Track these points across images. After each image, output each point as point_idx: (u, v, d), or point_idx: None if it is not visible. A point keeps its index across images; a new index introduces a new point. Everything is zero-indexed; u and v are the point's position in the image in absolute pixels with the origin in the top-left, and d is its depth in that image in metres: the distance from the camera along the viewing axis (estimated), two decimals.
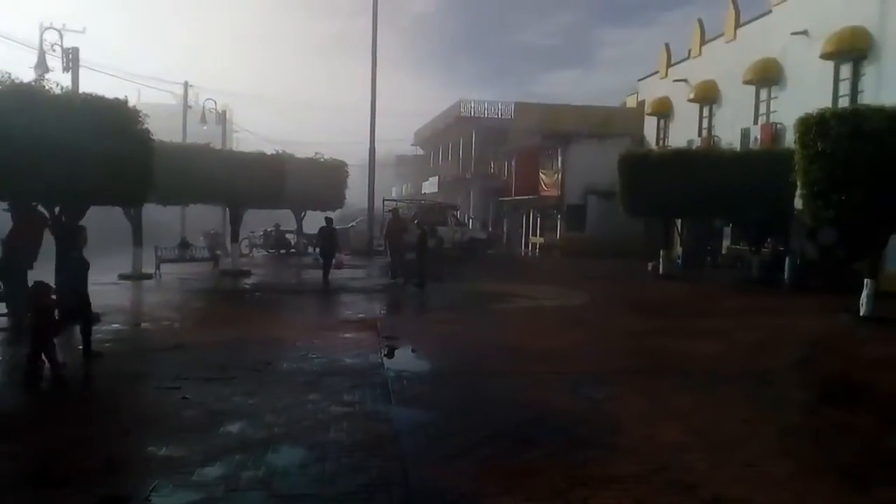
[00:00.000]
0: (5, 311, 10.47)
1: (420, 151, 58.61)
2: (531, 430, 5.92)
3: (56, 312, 7.55)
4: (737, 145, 21.60)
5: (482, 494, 4.52)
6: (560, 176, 30.51)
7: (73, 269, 8.49)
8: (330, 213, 22.49)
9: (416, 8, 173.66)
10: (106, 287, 15.57)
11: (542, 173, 32.32)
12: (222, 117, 33.22)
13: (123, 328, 10.88)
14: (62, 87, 10.95)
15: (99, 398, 7.12)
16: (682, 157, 19.64)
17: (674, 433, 5.87)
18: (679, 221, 22.44)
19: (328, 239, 17.82)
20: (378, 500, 4.38)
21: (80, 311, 8.22)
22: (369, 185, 28.57)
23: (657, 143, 28.67)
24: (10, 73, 9.64)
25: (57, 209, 10.82)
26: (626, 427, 6.04)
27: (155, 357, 8.65)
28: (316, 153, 27.55)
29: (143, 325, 11.38)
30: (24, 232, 10.34)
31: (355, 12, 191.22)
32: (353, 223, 30.42)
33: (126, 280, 16.94)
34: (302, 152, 26.84)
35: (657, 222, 21.43)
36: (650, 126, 29.89)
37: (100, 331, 10.28)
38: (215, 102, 32.75)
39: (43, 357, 7.08)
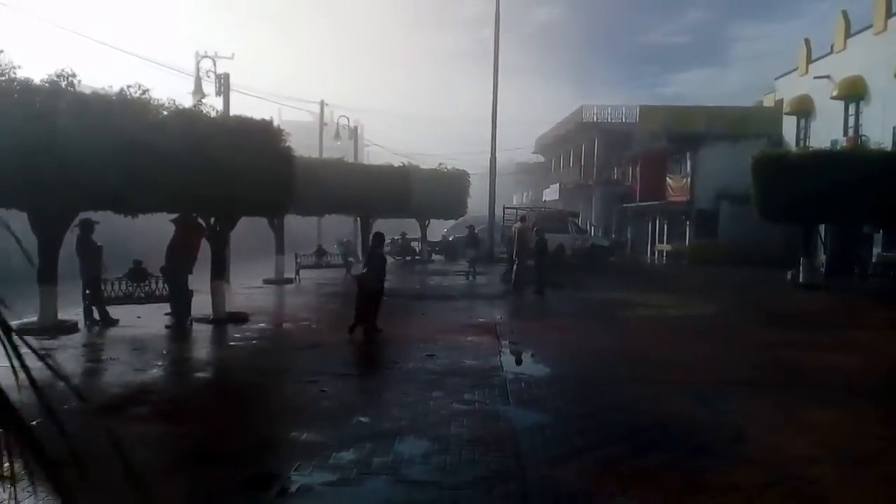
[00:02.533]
0: (169, 310, 11.85)
1: (541, 158, 58.46)
2: (649, 436, 5.94)
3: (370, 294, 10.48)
4: (888, 144, 19.81)
5: (597, 493, 4.66)
6: (689, 180, 29.36)
7: (377, 264, 10.87)
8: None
9: (541, 17, 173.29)
10: (252, 290, 17.11)
11: (669, 178, 31.25)
12: (354, 133, 35.08)
13: (268, 328, 11.94)
14: (217, 111, 12.28)
15: (256, 389, 7.94)
16: (825, 158, 18.36)
17: (802, 446, 5.66)
18: (822, 227, 20.90)
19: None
20: (496, 492, 4.65)
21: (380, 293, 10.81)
22: (490, 195, 29.02)
23: (797, 143, 26.85)
24: (174, 100, 11.00)
25: (213, 219, 12.11)
26: (750, 438, 5.90)
27: (295, 354, 9.48)
28: (440, 164, 28.47)
29: (286, 325, 12.43)
30: (184, 240, 11.67)
31: (480, 23, 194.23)
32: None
33: (270, 284, 18.48)
34: (427, 163, 27.88)
35: (797, 228, 20.10)
36: (789, 126, 28.04)
37: (248, 329, 11.40)
38: (348, 119, 34.69)
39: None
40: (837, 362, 9.17)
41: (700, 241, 28.83)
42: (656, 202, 31.69)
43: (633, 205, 35.13)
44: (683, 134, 29.72)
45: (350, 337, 10.26)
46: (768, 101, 32.42)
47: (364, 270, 11.04)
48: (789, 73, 28.81)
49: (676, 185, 30.43)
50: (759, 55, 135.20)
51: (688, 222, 29.87)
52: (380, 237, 11.42)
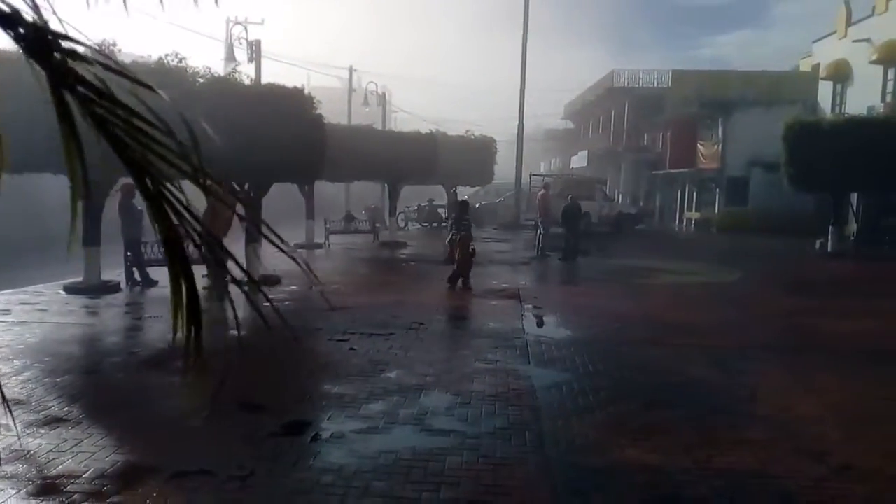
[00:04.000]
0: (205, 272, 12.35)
1: (570, 125, 57.83)
2: (663, 394, 6.21)
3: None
4: None
5: (610, 444, 4.97)
6: (720, 147, 28.94)
7: (468, 227, 12.53)
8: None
9: None
10: (284, 255, 17.60)
11: (700, 144, 30.81)
12: (382, 99, 35.15)
13: (300, 290, 12.38)
14: (251, 79, 12.56)
15: (287, 348, 8.36)
16: (859, 125, 18.03)
17: (811, 406, 5.89)
18: (854, 196, 20.60)
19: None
20: (514, 441, 4.99)
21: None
22: (517, 162, 29.01)
23: (832, 109, 26.26)
24: (210, 68, 11.30)
25: (246, 186, 12.49)
26: (761, 398, 6.14)
27: (326, 315, 9.88)
28: (467, 131, 28.47)
29: (315, 287, 12.84)
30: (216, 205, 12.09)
31: None
32: (502, 198, 31.12)
33: (300, 249, 18.96)
34: (454, 130, 27.89)
35: (828, 197, 19.85)
36: (825, 92, 27.37)
37: (283, 291, 11.86)
38: (377, 85, 34.76)
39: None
40: (856, 329, 9.28)
41: (730, 209, 28.54)
42: (686, 169, 31.33)
43: (662, 172, 34.77)
44: (716, 100, 29.20)
45: (456, 289, 12.01)
46: (805, 66, 31.60)
47: (453, 233, 12.50)
48: (827, 36, 28.00)
49: (707, 152, 30.02)
50: (801, 16, 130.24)
51: (718, 190, 29.56)
52: (465, 204, 13.38)
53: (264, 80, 20.31)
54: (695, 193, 32.59)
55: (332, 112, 22.41)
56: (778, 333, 9.11)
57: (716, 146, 29.35)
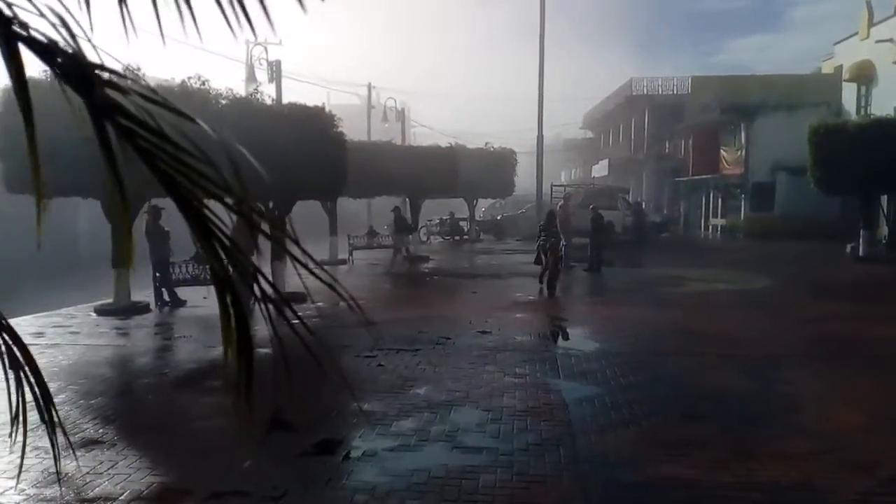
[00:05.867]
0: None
1: (589, 134, 57.66)
2: (698, 406, 6.09)
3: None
4: None
5: (645, 460, 4.86)
6: (744, 152, 28.63)
7: (556, 234, 13.54)
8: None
9: None
10: (308, 272, 17.68)
11: (724, 150, 30.52)
12: (401, 115, 35.38)
13: (325, 307, 12.40)
14: (272, 99, 12.72)
15: (319, 364, 8.37)
16: (887, 126, 17.69)
17: (853, 416, 5.73)
18: (884, 199, 20.19)
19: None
20: (548, 457, 4.91)
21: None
22: (537, 173, 28.94)
23: (857, 111, 25.83)
24: (232, 89, 11.46)
25: (270, 204, 12.60)
26: (799, 408, 5.99)
27: (353, 331, 9.87)
28: (486, 143, 28.51)
29: (342, 304, 12.86)
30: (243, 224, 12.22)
31: None
32: (523, 210, 31.05)
33: (324, 265, 18.93)
34: (473, 143, 27.92)
35: (856, 200, 19.48)
36: (849, 94, 26.96)
37: (309, 308, 11.88)
38: (395, 101, 34.99)
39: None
40: (891, 334, 9.03)
41: (756, 215, 28.18)
42: (710, 176, 31.03)
43: (685, 179, 34.46)
44: (737, 104, 28.94)
45: (552, 291, 12.99)
46: (827, 68, 31.21)
47: (542, 239, 13.40)
48: (849, 37, 27.63)
49: (731, 158, 29.72)
50: (819, 19, 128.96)
51: (743, 196, 29.20)
52: (552, 214, 14.15)
53: (285, 99, 20.60)
54: (720, 200, 32.23)
55: (352, 129, 22.57)
56: (814, 340, 8.91)
57: (739, 151, 29.05)
